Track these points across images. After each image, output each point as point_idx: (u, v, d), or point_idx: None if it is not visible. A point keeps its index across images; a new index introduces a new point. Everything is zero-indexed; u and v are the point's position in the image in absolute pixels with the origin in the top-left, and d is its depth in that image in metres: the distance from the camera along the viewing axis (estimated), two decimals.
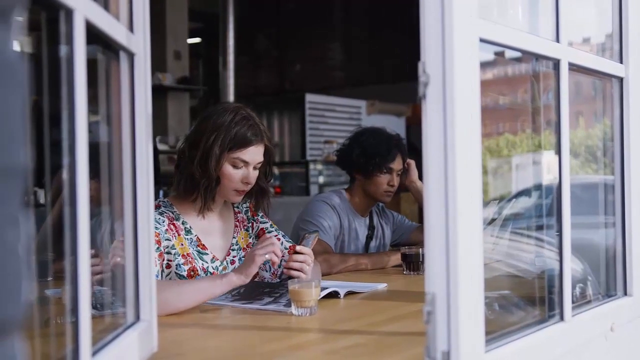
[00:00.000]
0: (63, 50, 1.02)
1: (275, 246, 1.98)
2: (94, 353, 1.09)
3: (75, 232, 1.01)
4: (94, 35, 1.12)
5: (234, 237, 2.32)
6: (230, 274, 1.96)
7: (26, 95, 0.61)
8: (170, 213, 2.19)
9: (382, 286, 2.34)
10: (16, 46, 0.60)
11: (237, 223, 2.35)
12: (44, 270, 1.54)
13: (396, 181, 3.00)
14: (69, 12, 1.00)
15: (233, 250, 2.31)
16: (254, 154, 2.19)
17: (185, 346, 1.59)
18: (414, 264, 2.63)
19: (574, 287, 1.62)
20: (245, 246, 2.34)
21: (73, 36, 1.01)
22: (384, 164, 2.96)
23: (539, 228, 1.93)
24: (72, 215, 1.01)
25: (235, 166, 2.17)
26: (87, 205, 1.03)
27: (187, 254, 2.16)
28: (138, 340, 1.31)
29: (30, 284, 0.60)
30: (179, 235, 2.17)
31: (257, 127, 2.20)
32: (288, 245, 2.35)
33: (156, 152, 5.05)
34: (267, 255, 1.95)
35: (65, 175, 1.01)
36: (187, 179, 2.19)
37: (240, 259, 2.30)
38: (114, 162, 1.37)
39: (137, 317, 1.37)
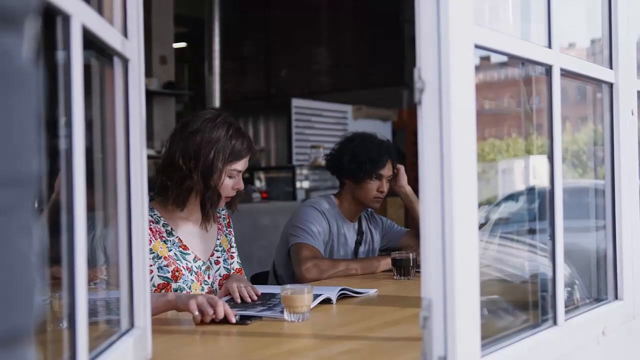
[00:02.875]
0: (60, 55, 1.01)
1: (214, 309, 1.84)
2: None
3: (72, 238, 1.00)
4: (89, 41, 1.11)
5: (217, 239, 2.40)
6: (171, 297, 1.91)
7: (39, 102, 0.60)
8: (150, 216, 2.20)
9: (373, 292, 2.34)
10: (29, 53, 0.60)
11: (220, 226, 2.43)
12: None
13: (386, 187, 3.00)
14: (66, 18, 0.99)
15: (217, 250, 2.38)
16: (246, 162, 2.31)
17: (179, 353, 1.59)
18: (404, 269, 2.64)
19: None
20: (227, 249, 2.43)
21: (70, 42, 1.00)
22: (375, 170, 2.96)
23: (528, 232, 1.94)
24: (69, 222, 1.00)
25: (230, 177, 2.26)
26: (84, 211, 1.02)
27: (169, 255, 2.21)
28: (133, 347, 1.31)
29: (41, 291, 0.60)
30: (156, 239, 2.21)
31: (248, 138, 2.32)
32: (237, 267, 2.44)
33: None
34: (196, 313, 1.81)
35: (62, 181, 1.01)
36: (186, 191, 2.22)
37: (224, 260, 2.39)
38: (108, 167, 1.36)
39: (132, 324, 1.36)
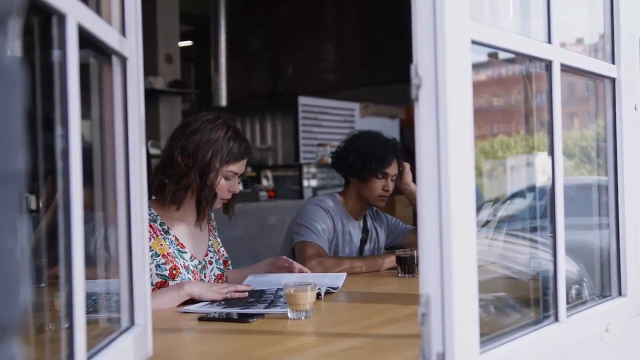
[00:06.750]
0: (55, 54, 1.02)
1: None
2: (89, 358, 1.09)
3: (69, 237, 1.00)
4: (86, 40, 1.11)
5: (209, 240, 2.44)
6: (185, 287, 2.09)
7: (24, 100, 0.61)
8: (147, 215, 2.22)
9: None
10: (13, 51, 0.60)
11: (211, 228, 2.48)
12: (38, 276, 1.53)
13: (391, 186, 3.00)
14: (62, 17, 1.00)
15: (210, 251, 2.43)
16: (244, 165, 2.34)
17: (179, 351, 1.59)
18: (408, 266, 2.63)
19: (569, 289, 1.62)
20: (217, 250, 2.47)
21: (66, 41, 1.01)
22: (380, 169, 2.95)
23: (534, 229, 1.94)
24: (66, 221, 1.00)
25: (226, 178, 2.30)
26: (81, 210, 1.02)
27: (167, 253, 2.25)
28: (133, 345, 1.31)
29: (28, 288, 0.60)
30: (157, 236, 2.25)
31: (246, 141, 2.36)
32: (217, 273, 2.43)
33: (148, 156, 5.07)
34: (228, 295, 2.12)
35: (58, 180, 1.01)
36: (182, 189, 2.26)
37: (216, 260, 2.43)
38: (107, 167, 1.37)
39: (132, 322, 1.36)
